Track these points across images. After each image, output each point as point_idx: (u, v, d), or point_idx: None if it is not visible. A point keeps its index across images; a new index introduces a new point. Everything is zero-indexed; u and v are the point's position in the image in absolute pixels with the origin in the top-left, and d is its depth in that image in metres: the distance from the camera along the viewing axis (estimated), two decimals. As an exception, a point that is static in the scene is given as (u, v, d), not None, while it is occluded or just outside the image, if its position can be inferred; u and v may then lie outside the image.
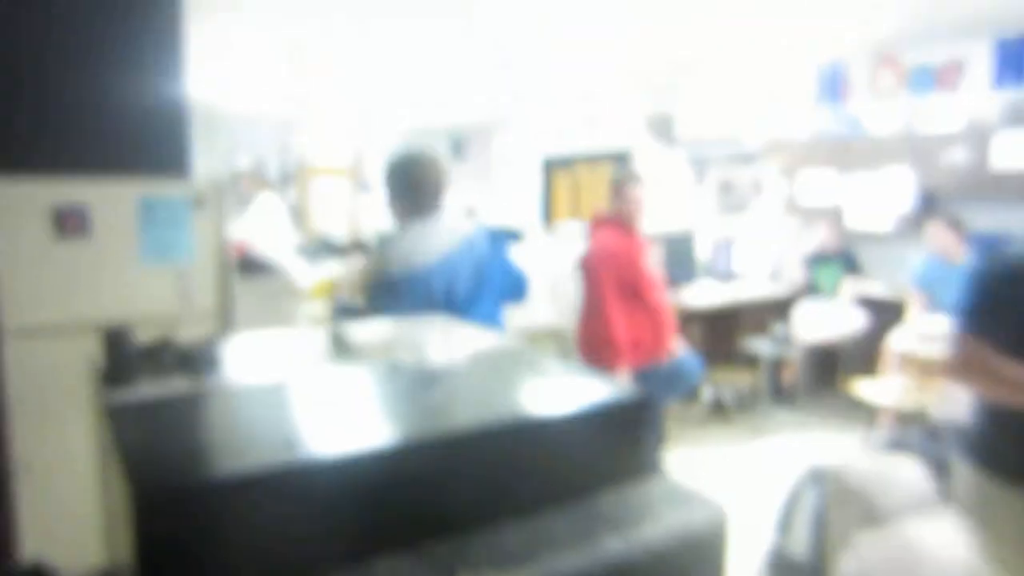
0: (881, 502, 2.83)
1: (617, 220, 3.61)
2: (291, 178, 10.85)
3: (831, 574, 2.96)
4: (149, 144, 3.55)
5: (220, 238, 3.29)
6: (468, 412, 1.10)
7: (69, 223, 3.03)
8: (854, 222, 6.07)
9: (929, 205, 5.63)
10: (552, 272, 5.72)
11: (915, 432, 3.40)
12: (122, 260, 3.11)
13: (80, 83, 3.35)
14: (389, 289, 2.26)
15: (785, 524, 3.16)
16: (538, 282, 5.64)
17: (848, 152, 6.14)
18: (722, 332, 5.92)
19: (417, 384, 1.18)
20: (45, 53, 3.30)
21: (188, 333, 1.64)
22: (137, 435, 0.95)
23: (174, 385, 1.17)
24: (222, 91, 7.80)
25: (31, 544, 2.94)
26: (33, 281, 2.93)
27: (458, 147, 12.03)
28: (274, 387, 1.17)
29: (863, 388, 4.61)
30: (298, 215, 10.31)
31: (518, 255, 5.42)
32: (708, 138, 7.67)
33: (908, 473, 2.92)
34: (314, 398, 1.15)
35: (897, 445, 3.21)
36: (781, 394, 5.83)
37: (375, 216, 12.22)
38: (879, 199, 5.92)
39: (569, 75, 7.23)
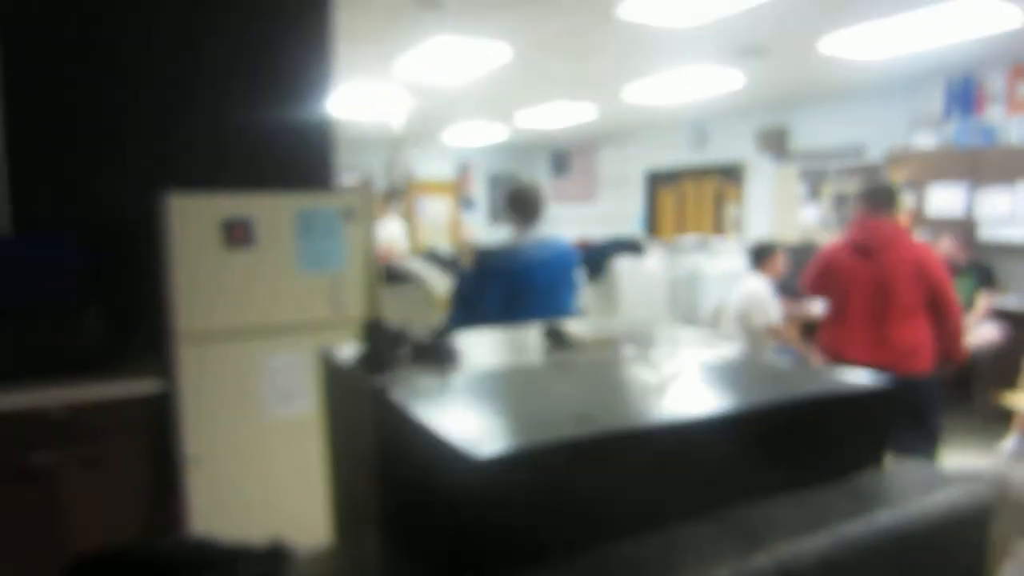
0: (1045, 512, 2.72)
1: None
2: (398, 194, 11.19)
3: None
4: (301, 162, 3.77)
5: (369, 247, 3.43)
6: (733, 392, 1.14)
7: (236, 234, 3.23)
8: (988, 233, 5.82)
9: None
10: (670, 282, 5.72)
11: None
12: (282, 268, 3.28)
13: (244, 110, 3.61)
14: (493, 264, 3.39)
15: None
16: (660, 292, 5.67)
17: (982, 162, 5.90)
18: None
19: (663, 373, 1.23)
20: (215, 86, 3.57)
21: (341, 337, 1.74)
22: (440, 415, 1.02)
23: (427, 373, 1.25)
24: (335, 110, 8.12)
25: (200, 531, 3.13)
26: (204, 288, 3.12)
27: (560, 161, 12.12)
28: (526, 373, 1.24)
29: (1011, 399, 4.40)
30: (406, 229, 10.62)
31: (637, 266, 5.46)
32: (825, 150, 7.52)
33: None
34: (561, 382, 1.21)
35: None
36: (911, 410, 5.61)
37: (477, 230, 12.47)
38: (1016, 209, 5.66)
39: (678, 92, 7.22)
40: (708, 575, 0.83)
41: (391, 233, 7.10)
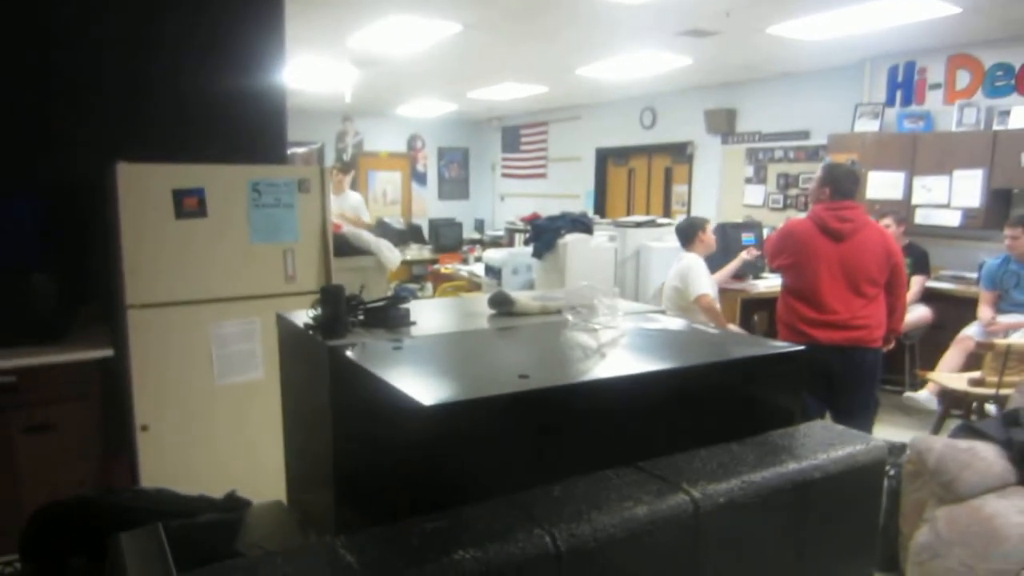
0: (960, 481, 2.93)
1: None
2: (349, 166, 11.11)
3: (904, 545, 3.07)
4: (254, 135, 3.78)
5: (324, 220, 3.47)
6: (664, 355, 1.24)
7: (188, 204, 3.23)
8: (923, 216, 6.11)
9: (1006, 204, 5.68)
10: (618, 259, 5.87)
11: (993, 421, 3.46)
12: (235, 239, 3.30)
13: (200, 82, 3.60)
14: None
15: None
16: (608, 269, 5.81)
17: (920, 147, 6.16)
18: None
19: (604, 337, 1.34)
20: (171, 57, 3.56)
21: (294, 307, 1.81)
22: (392, 371, 1.11)
23: (380, 335, 1.33)
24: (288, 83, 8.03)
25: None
26: (155, 257, 3.13)
27: (511, 137, 12.17)
28: (473, 336, 1.33)
29: (942, 378, 4.69)
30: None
31: (586, 243, 5.58)
32: (771, 132, 7.75)
33: (987, 455, 3.00)
34: (506, 344, 1.31)
35: (972, 431, 3.28)
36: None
37: (428, 203, 12.47)
38: (950, 195, 5.95)
39: (628, 69, 7.33)
40: (626, 513, 0.94)
41: (355, 204, 7.24)
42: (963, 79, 6.16)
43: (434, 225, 10.77)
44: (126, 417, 3.18)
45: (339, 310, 1.34)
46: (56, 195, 3.33)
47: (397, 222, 10.65)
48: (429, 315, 1.57)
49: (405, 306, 1.45)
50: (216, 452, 3.25)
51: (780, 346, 1.33)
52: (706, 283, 4.84)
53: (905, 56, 6.47)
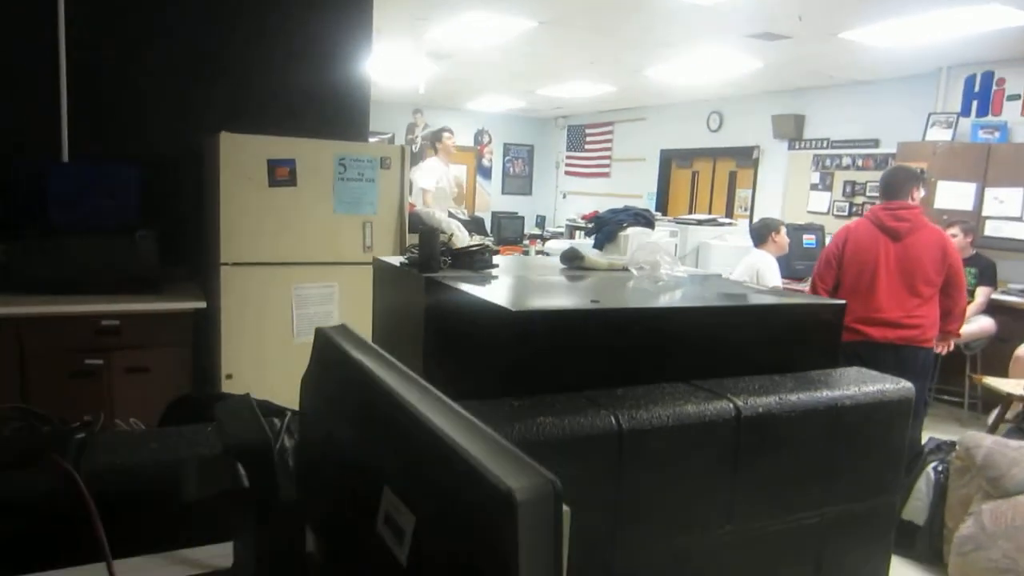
0: (1007, 477, 2.99)
1: None
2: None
3: (948, 539, 3.14)
4: (340, 118, 4.04)
5: (401, 196, 3.70)
6: (718, 298, 1.42)
7: (280, 173, 3.50)
8: (994, 229, 6.03)
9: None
10: (679, 255, 5.98)
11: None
12: (320, 207, 3.56)
13: (292, 70, 3.89)
14: None
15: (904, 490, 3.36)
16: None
17: (994, 159, 6.09)
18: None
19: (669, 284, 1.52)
20: (269, 48, 3.86)
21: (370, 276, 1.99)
22: (481, 290, 1.31)
23: (466, 275, 1.54)
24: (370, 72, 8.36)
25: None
26: (248, 220, 3.40)
27: (576, 136, 12.32)
28: (547, 277, 1.52)
29: (992, 381, 4.64)
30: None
31: (647, 237, 5.71)
32: (839, 139, 7.72)
33: (1037, 454, 3.05)
34: (578, 283, 1.50)
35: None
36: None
37: (492, 197, 12.71)
38: (1023, 208, 5.86)
39: (697, 72, 7.40)
40: (678, 408, 1.11)
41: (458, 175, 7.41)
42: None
43: (496, 218, 10.99)
44: (213, 365, 3.45)
45: (434, 250, 1.54)
46: (158, 163, 3.63)
47: (461, 213, 10.92)
48: (507, 264, 1.77)
49: (486, 253, 1.65)
50: (292, 405, 3.49)
51: (822, 299, 1.49)
52: (777, 280, 4.94)
53: (983, 66, 6.40)
